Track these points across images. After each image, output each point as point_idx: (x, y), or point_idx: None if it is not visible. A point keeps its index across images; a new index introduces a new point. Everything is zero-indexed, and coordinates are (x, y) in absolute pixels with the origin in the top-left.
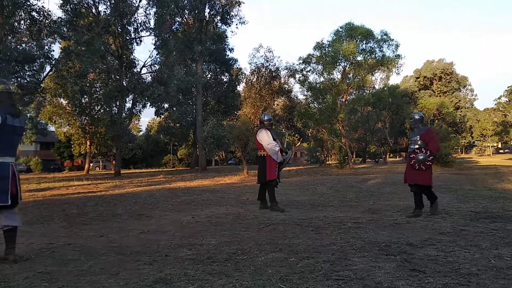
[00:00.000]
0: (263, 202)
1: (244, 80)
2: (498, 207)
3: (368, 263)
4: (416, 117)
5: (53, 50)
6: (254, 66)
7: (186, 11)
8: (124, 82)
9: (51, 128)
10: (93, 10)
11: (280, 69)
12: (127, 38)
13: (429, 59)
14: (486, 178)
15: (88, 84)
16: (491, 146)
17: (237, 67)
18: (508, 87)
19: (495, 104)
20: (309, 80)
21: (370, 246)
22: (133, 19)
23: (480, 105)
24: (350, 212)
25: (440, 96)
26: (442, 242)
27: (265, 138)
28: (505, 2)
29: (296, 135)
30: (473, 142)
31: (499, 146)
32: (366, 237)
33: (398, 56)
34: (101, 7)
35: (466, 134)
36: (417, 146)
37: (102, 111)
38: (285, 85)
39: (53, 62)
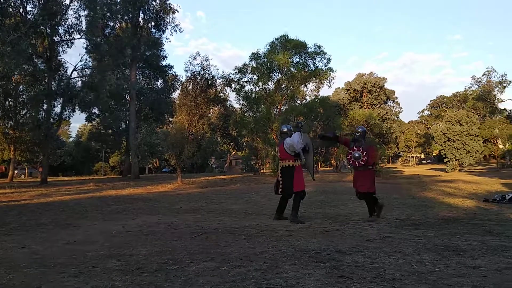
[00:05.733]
0: (279, 214)
1: (180, 87)
2: (420, 214)
3: (299, 271)
4: (360, 130)
5: None
6: (190, 74)
7: (119, 15)
8: (52, 86)
9: None
10: (21, 10)
11: (216, 77)
12: (57, 39)
13: (360, 72)
14: (410, 187)
15: (12, 87)
16: (415, 157)
17: (173, 74)
18: (431, 101)
19: (419, 117)
20: (245, 89)
21: (300, 253)
22: (63, 20)
23: (405, 117)
24: (282, 220)
25: (369, 108)
26: (369, 248)
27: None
28: (431, 21)
29: (231, 143)
30: (399, 153)
31: (422, 156)
32: (297, 245)
33: (330, 69)
34: (29, 7)
35: (392, 145)
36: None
37: (28, 115)
38: (221, 94)
39: None
